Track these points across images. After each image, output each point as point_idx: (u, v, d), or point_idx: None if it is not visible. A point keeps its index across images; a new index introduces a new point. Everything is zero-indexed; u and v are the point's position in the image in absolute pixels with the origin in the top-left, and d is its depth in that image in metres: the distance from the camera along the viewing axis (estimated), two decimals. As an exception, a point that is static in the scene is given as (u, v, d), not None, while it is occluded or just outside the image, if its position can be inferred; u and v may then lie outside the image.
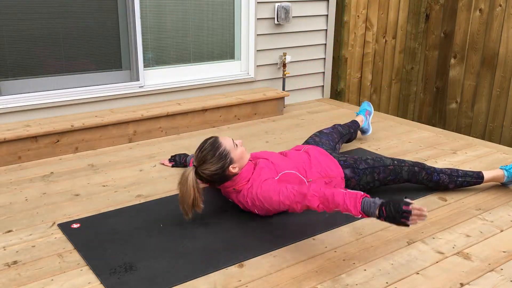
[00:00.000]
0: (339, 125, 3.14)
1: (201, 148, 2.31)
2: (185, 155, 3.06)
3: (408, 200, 1.85)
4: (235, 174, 2.33)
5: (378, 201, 1.90)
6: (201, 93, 4.09)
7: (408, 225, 1.85)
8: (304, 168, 2.46)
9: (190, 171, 2.23)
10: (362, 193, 1.97)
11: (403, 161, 2.64)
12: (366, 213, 1.92)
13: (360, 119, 3.44)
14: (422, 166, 2.64)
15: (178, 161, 3.06)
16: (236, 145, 2.35)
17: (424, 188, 2.74)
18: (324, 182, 2.46)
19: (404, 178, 2.62)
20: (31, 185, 2.80)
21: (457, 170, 2.70)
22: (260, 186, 2.27)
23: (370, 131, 3.58)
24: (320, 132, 2.98)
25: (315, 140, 2.87)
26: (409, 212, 1.82)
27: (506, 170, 2.71)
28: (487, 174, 2.69)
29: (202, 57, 4.15)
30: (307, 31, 4.55)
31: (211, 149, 2.28)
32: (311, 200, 2.05)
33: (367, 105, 3.62)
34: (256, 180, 2.31)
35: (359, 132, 3.54)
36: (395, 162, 2.62)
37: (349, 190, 2.00)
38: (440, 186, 2.67)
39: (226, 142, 2.32)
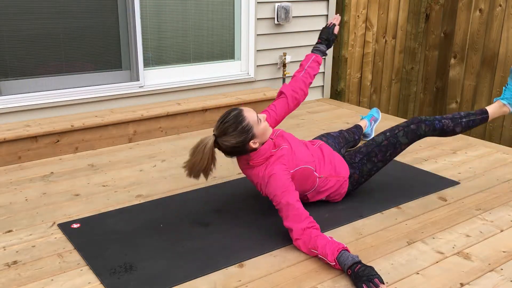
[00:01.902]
0: (345, 131, 3.10)
1: (223, 119, 2.23)
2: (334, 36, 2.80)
3: (378, 281, 1.85)
4: (254, 150, 2.27)
5: (357, 258, 1.93)
6: (201, 93, 4.09)
7: None
8: (319, 163, 2.44)
9: (210, 140, 2.19)
10: (345, 245, 2.01)
11: (396, 127, 2.57)
12: (340, 263, 1.95)
13: (363, 123, 3.43)
14: (418, 121, 2.56)
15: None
16: (260, 120, 2.27)
17: (427, 186, 2.73)
18: (333, 179, 2.46)
19: (405, 142, 2.54)
20: (31, 185, 2.80)
21: (459, 113, 2.63)
22: (275, 177, 2.21)
23: (372, 136, 3.56)
24: (328, 134, 2.94)
25: (322, 140, 2.85)
26: (375, 285, 1.83)
27: (502, 99, 2.67)
28: (490, 108, 2.65)
29: (202, 57, 4.15)
30: (307, 31, 4.55)
31: (234, 121, 2.20)
32: (296, 232, 2.10)
33: (375, 112, 3.60)
34: (272, 166, 2.24)
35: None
36: (388, 134, 2.55)
37: (333, 239, 2.04)
38: (447, 133, 2.58)
39: (250, 116, 2.24)
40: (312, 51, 2.70)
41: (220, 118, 2.26)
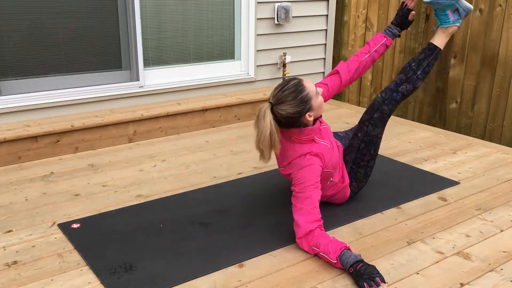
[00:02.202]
0: (350, 131, 3.07)
1: (282, 87, 2.15)
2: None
3: (380, 280, 1.85)
4: (307, 124, 2.20)
5: (359, 257, 1.94)
6: (201, 93, 4.09)
7: None
8: (336, 169, 2.40)
9: (267, 109, 2.10)
10: (347, 244, 2.01)
11: (362, 124, 2.48)
12: (342, 262, 1.95)
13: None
14: (378, 107, 2.45)
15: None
16: (318, 93, 2.20)
17: (427, 186, 2.74)
18: (338, 185, 2.44)
19: (379, 131, 2.46)
20: (31, 185, 2.80)
21: (410, 65, 2.51)
22: (310, 167, 2.17)
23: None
24: (335, 133, 2.92)
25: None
26: (376, 284, 1.84)
27: (444, 23, 2.56)
28: (436, 40, 2.56)
29: (202, 57, 4.15)
30: (307, 31, 4.55)
31: (294, 90, 2.13)
32: (302, 231, 2.08)
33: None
34: (313, 158, 2.20)
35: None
36: (360, 135, 2.46)
37: (336, 238, 2.03)
38: (410, 94, 2.52)
39: (310, 87, 2.17)
40: (384, 32, 2.58)
41: (278, 86, 2.18)
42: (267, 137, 2.07)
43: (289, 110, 2.13)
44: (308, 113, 2.16)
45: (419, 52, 2.56)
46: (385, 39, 2.57)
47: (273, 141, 2.10)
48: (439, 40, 2.57)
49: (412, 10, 2.61)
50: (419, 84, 2.50)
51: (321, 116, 2.33)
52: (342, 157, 2.50)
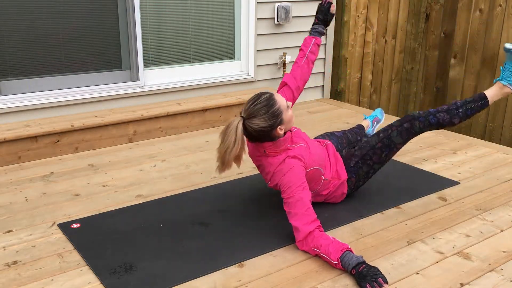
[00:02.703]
0: (348, 131, 3.07)
1: (254, 101, 2.19)
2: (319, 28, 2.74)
3: (382, 281, 1.85)
4: (279, 137, 2.23)
5: (362, 259, 1.94)
6: (201, 93, 4.09)
7: None
8: (324, 166, 2.42)
9: (239, 122, 2.14)
10: (348, 245, 2.01)
11: (389, 127, 2.49)
12: (343, 264, 1.95)
13: (366, 123, 3.35)
14: (411, 119, 2.46)
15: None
16: (288, 106, 2.25)
17: (427, 188, 2.74)
18: (334, 182, 2.46)
19: (399, 142, 2.46)
20: (31, 185, 2.80)
21: (455, 102, 2.49)
22: (292, 170, 2.19)
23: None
24: (332, 133, 2.91)
25: (326, 139, 2.83)
26: (379, 285, 1.84)
27: (502, 80, 2.54)
28: (489, 92, 2.52)
29: (202, 57, 4.15)
30: (307, 31, 4.53)
31: (266, 104, 2.17)
32: (302, 234, 2.08)
33: (379, 113, 3.50)
34: (292, 160, 2.23)
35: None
36: (381, 135, 2.49)
37: (336, 239, 2.04)
38: (443, 125, 2.47)
39: (281, 101, 2.22)
40: (310, 34, 2.66)
41: (250, 100, 2.22)
42: (234, 151, 2.12)
43: (261, 124, 2.17)
44: (279, 127, 2.20)
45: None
46: (314, 39, 2.63)
47: (239, 156, 2.18)
48: (491, 93, 2.54)
49: (331, 3, 2.66)
50: (456, 122, 2.47)
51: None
52: (334, 154, 2.52)
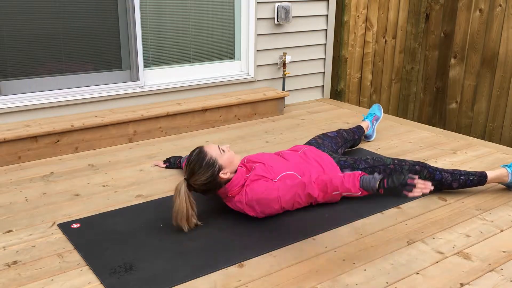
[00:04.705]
0: (344, 130, 3.12)
1: (188, 161, 2.29)
2: (180, 157, 3.05)
3: (412, 175, 1.95)
4: (228, 180, 2.30)
5: (378, 176, 2.02)
6: (201, 93, 4.09)
7: (408, 196, 1.95)
8: (302, 170, 2.46)
9: (182, 184, 2.23)
10: (360, 172, 2.07)
11: (404, 160, 2.64)
12: (366, 189, 2.04)
13: (365, 125, 3.41)
14: (423, 165, 2.63)
15: (172, 162, 3.05)
16: (223, 150, 2.31)
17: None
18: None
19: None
20: (31, 185, 2.80)
21: (460, 170, 2.68)
22: (256, 188, 2.28)
23: (374, 137, 3.56)
24: (324, 134, 2.97)
25: (317, 142, 2.86)
26: (413, 185, 1.92)
27: (509, 167, 2.67)
28: (490, 174, 2.66)
29: (202, 57, 4.15)
30: (307, 31, 4.55)
31: (197, 160, 2.26)
32: (312, 188, 2.17)
33: (377, 109, 3.56)
34: (251, 185, 2.30)
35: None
36: (396, 161, 2.62)
37: (346, 173, 2.13)
38: (443, 185, 2.64)
39: (212, 150, 2.29)
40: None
41: (186, 162, 2.31)
42: (183, 213, 2.20)
43: (201, 178, 2.24)
44: (221, 172, 2.26)
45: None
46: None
47: (189, 216, 2.23)
48: (492, 176, 2.66)
49: None
50: (454, 186, 2.65)
51: (241, 161, 2.46)
52: (317, 156, 2.59)
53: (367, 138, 3.51)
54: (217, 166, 2.25)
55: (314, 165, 2.51)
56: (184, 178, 2.28)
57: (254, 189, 2.28)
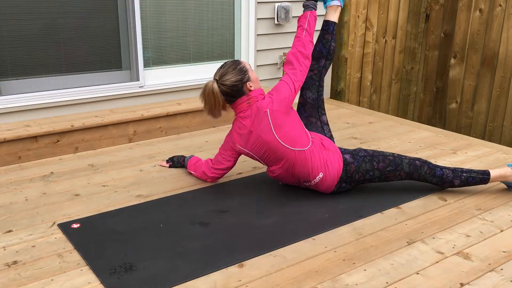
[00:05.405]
0: (305, 84, 2.83)
1: (222, 65, 2.57)
2: (183, 156, 3.05)
3: None
4: (251, 91, 2.55)
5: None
6: (201, 93, 4.08)
7: None
8: (306, 130, 2.63)
9: (213, 82, 2.51)
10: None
11: (404, 155, 2.64)
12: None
13: (333, 9, 2.89)
14: (424, 161, 2.62)
15: (176, 161, 3.05)
16: (252, 69, 2.60)
17: (427, 186, 2.74)
18: (323, 149, 2.58)
19: (405, 171, 2.57)
20: (31, 185, 2.80)
21: (462, 168, 2.68)
22: (273, 91, 2.55)
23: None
24: (306, 119, 2.87)
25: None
26: None
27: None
28: (493, 172, 2.64)
29: (202, 57, 4.15)
30: (307, 31, 4.54)
31: (232, 64, 2.55)
32: (299, 45, 2.63)
33: None
34: (269, 94, 2.56)
35: (360, 134, 3.53)
36: (396, 154, 2.61)
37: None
38: (444, 182, 2.62)
39: (245, 62, 2.60)
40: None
41: (219, 67, 2.58)
42: (212, 103, 2.52)
43: (232, 79, 2.51)
44: (248, 83, 2.53)
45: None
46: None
47: (219, 105, 2.54)
48: (495, 174, 2.65)
49: None
50: (456, 184, 2.64)
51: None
52: (322, 135, 2.72)
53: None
54: (247, 75, 2.54)
55: (317, 134, 2.71)
56: (215, 79, 2.53)
57: (277, 88, 2.56)
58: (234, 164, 2.73)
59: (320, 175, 2.52)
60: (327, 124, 2.85)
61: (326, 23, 2.87)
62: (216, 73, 2.56)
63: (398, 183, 2.82)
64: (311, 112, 2.83)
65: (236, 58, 2.52)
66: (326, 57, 2.84)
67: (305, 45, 2.64)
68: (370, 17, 4.96)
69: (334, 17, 2.88)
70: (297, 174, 2.54)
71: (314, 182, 2.55)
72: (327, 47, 2.85)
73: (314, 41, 2.78)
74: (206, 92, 2.52)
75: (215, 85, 2.50)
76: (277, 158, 2.52)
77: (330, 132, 2.83)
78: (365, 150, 2.62)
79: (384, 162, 2.57)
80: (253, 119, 2.51)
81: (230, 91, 2.52)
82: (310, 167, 2.51)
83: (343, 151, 2.60)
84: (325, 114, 2.87)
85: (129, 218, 2.41)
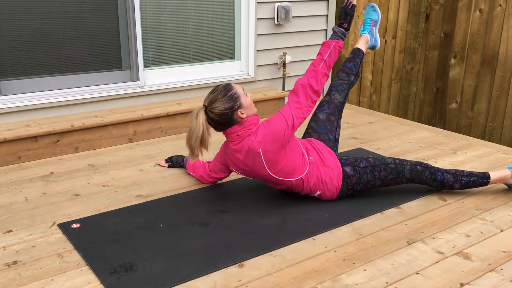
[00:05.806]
0: (335, 88, 2.94)
1: (213, 90, 2.39)
2: (182, 156, 3.05)
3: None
4: (242, 120, 2.39)
5: (336, 28, 2.68)
6: (201, 93, 4.09)
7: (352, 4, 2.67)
8: (306, 147, 2.54)
9: (200, 109, 2.33)
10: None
11: (405, 160, 2.63)
12: (339, 36, 2.64)
13: (364, 40, 3.10)
14: (425, 166, 2.61)
15: (174, 161, 3.05)
16: (246, 94, 2.42)
17: (427, 188, 2.74)
18: (321, 166, 2.51)
19: (407, 177, 2.57)
20: (31, 185, 2.80)
21: (462, 170, 2.67)
22: (267, 125, 2.38)
23: (379, 44, 3.17)
24: (317, 121, 2.85)
25: (312, 136, 2.81)
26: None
27: None
28: (493, 175, 2.65)
29: (202, 57, 4.15)
30: (307, 31, 4.55)
31: (223, 89, 2.36)
32: (312, 77, 2.46)
33: (371, 11, 3.14)
34: (262, 127, 2.40)
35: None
36: (397, 161, 2.61)
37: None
38: (445, 186, 2.63)
39: (238, 87, 2.41)
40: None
41: (210, 91, 2.41)
42: (198, 135, 2.29)
43: (221, 107, 2.33)
44: (239, 110, 2.36)
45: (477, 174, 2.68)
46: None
47: (204, 140, 2.32)
48: (495, 177, 2.65)
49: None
50: (456, 187, 2.65)
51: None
52: (323, 145, 2.63)
53: (373, 48, 3.20)
54: (238, 103, 2.36)
55: (316, 149, 2.59)
56: (203, 105, 2.37)
57: (266, 125, 2.38)
58: (229, 174, 2.74)
59: (318, 192, 2.53)
60: (340, 128, 2.88)
61: (358, 50, 3.06)
62: (206, 98, 2.39)
63: (398, 183, 2.82)
64: (333, 111, 2.86)
65: (227, 83, 2.44)
66: (356, 75, 3.00)
67: (318, 80, 2.46)
68: (370, 17, 4.95)
69: (363, 47, 3.10)
70: (295, 191, 2.57)
71: (313, 195, 2.57)
72: (357, 67, 3.01)
73: (342, 62, 2.91)
74: (191, 118, 2.34)
75: (202, 113, 2.32)
76: (274, 184, 2.54)
77: (339, 135, 2.86)
78: (366, 160, 2.57)
79: (386, 171, 2.55)
80: (245, 156, 2.40)
81: (219, 119, 2.36)
82: (307, 188, 2.52)
83: (344, 163, 2.55)
84: (341, 119, 2.92)
85: (129, 218, 2.41)
